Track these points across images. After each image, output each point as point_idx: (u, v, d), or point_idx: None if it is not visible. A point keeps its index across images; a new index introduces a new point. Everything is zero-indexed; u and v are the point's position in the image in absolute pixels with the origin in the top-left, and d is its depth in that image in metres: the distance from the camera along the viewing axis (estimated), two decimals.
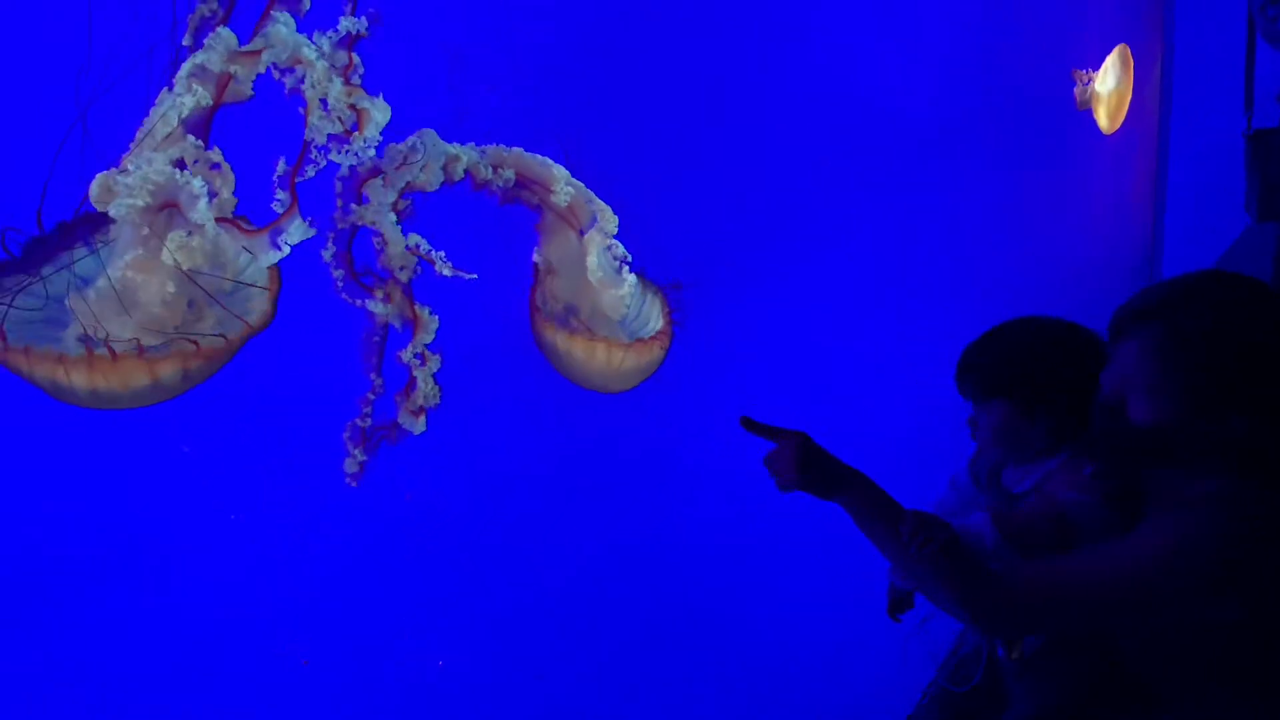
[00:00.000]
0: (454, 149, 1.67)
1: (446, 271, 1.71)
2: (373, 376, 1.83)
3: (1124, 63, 4.91)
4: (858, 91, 3.49)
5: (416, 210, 1.81)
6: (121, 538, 2.04)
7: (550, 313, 1.93)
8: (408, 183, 1.62)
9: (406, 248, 1.66)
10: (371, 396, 1.84)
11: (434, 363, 1.88)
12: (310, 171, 1.48)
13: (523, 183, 1.79)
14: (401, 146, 1.60)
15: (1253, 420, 1.67)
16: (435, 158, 1.63)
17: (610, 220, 1.84)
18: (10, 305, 1.39)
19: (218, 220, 1.35)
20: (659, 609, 2.91)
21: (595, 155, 2.22)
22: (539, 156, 1.82)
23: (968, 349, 2.12)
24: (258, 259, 1.39)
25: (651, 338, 1.96)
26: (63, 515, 1.93)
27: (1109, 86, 4.85)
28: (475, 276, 1.80)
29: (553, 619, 2.70)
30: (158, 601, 2.13)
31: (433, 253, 1.73)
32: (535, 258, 1.94)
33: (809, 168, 3.30)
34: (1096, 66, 4.93)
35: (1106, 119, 4.94)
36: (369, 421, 1.83)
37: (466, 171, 1.76)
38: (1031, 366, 1.98)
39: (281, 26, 1.39)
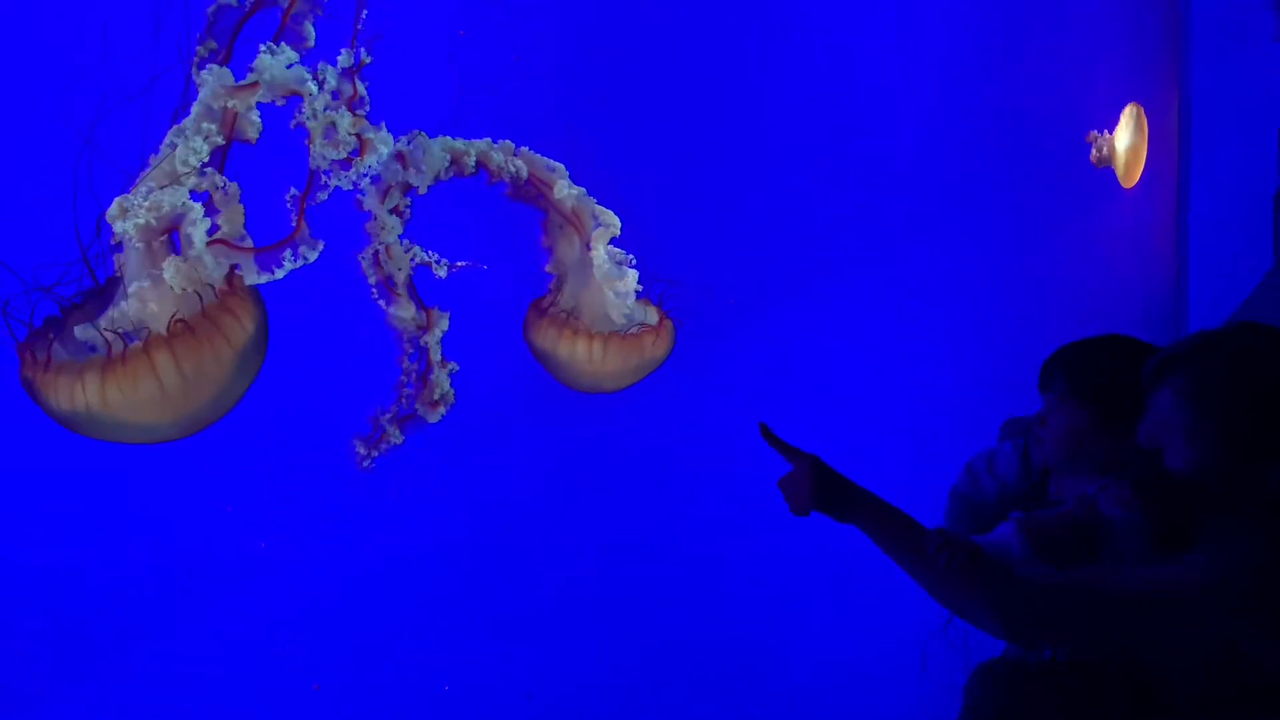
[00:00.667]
0: (462, 144, 1.67)
1: (442, 273, 1.71)
2: (403, 362, 1.82)
3: (1137, 120, 4.99)
4: (875, 157, 3.50)
5: (423, 209, 1.81)
6: (118, 538, 2.03)
7: (552, 316, 1.93)
8: (405, 184, 1.62)
9: (406, 251, 1.65)
10: (404, 379, 1.84)
11: (451, 365, 1.89)
12: (322, 196, 1.49)
13: (529, 181, 1.80)
14: (399, 148, 1.59)
15: None
16: (436, 157, 1.63)
17: (613, 220, 1.84)
18: (54, 339, 1.39)
19: (218, 241, 1.34)
20: (661, 610, 2.90)
21: (595, 157, 2.22)
22: (542, 156, 1.82)
23: (1073, 346, 2.10)
24: (246, 279, 1.39)
25: (640, 334, 1.95)
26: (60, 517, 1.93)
27: (1124, 144, 4.92)
28: (485, 267, 1.80)
29: (554, 619, 2.69)
30: (155, 599, 2.12)
31: (429, 254, 1.73)
32: (548, 269, 1.95)
33: (821, 215, 3.31)
34: (1112, 122, 4.95)
35: (1124, 175, 5.01)
36: (406, 404, 1.84)
37: (479, 164, 1.76)
38: (1130, 384, 1.94)
39: (267, 56, 1.39)
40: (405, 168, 1.60)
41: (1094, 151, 4.76)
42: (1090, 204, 5.10)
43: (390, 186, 1.62)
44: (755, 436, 2.11)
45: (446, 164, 1.65)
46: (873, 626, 3.31)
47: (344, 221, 1.69)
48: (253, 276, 1.36)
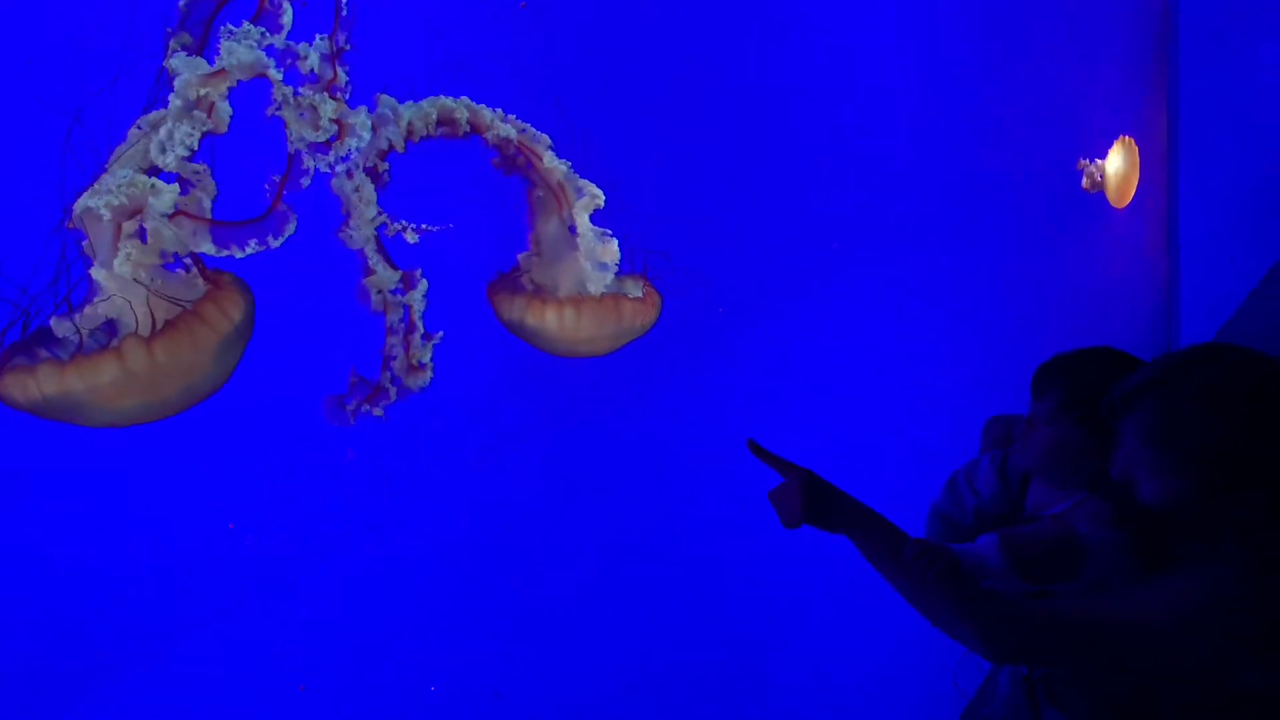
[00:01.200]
0: (453, 101, 1.65)
1: (412, 238, 1.67)
2: (388, 324, 1.78)
3: (1127, 149, 5.15)
4: (875, 163, 3.49)
5: (409, 195, 1.77)
6: (116, 537, 1.99)
7: (517, 287, 1.90)
8: (379, 150, 1.59)
9: (375, 217, 1.61)
10: (390, 346, 1.79)
11: (436, 336, 1.84)
12: (305, 181, 1.46)
13: (519, 149, 1.78)
14: (369, 119, 1.56)
15: (1262, 493, 1.63)
16: (413, 114, 1.61)
17: (598, 192, 1.83)
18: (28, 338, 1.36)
19: (180, 214, 1.31)
20: (661, 610, 2.87)
21: (592, 157, 2.18)
22: (529, 126, 1.81)
23: (1070, 357, 2.07)
24: (193, 244, 1.36)
25: (617, 297, 1.92)
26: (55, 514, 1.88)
27: (1114, 170, 5.09)
28: (451, 226, 1.76)
29: (555, 620, 2.65)
30: (154, 600, 2.08)
31: (400, 222, 1.69)
32: (521, 259, 1.92)
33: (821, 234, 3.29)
34: (1104, 145, 5.12)
35: (1115, 199, 5.20)
36: (395, 365, 1.80)
37: (471, 124, 1.73)
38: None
39: (229, 41, 1.37)
40: (376, 133, 1.58)
41: (1085, 179, 4.88)
42: (1085, 215, 5.16)
43: (367, 156, 1.60)
44: (755, 436, 2.07)
45: (432, 120, 1.62)
46: (874, 627, 3.28)
47: (332, 205, 1.66)
48: (208, 248, 1.33)
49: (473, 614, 2.53)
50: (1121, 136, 5.12)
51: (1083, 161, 4.89)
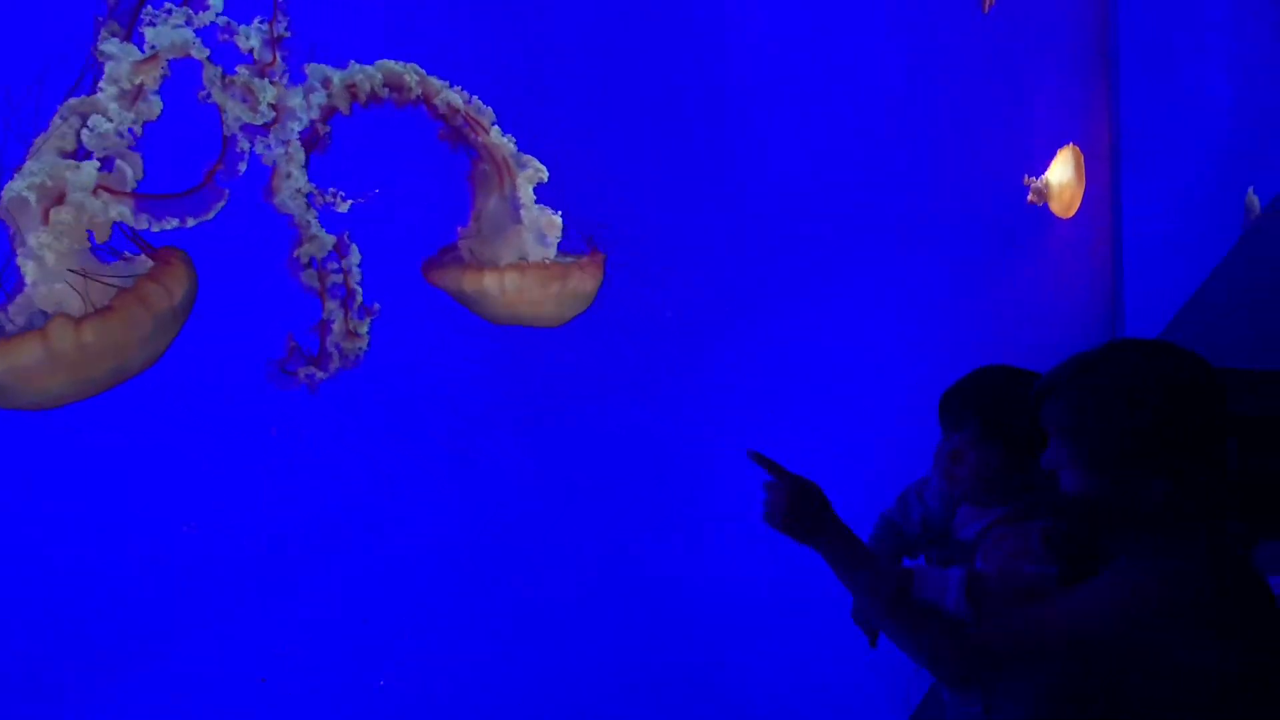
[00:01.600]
0: (400, 65, 1.65)
1: (343, 208, 1.65)
2: (325, 299, 1.76)
3: (1073, 159, 5.30)
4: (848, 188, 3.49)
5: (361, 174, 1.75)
6: (112, 534, 1.98)
7: (454, 260, 1.89)
8: (319, 116, 1.58)
9: (299, 189, 1.59)
10: (330, 305, 1.76)
11: (373, 310, 1.81)
12: (242, 167, 1.45)
13: (465, 121, 1.77)
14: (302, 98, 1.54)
15: (1171, 481, 1.64)
16: (366, 75, 1.60)
17: (539, 165, 1.82)
18: None
19: (102, 188, 1.29)
20: (662, 610, 2.84)
21: (592, 159, 2.17)
22: (477, 98, 1.80)
23: (976, 384, 2.09)
24: (110, 211, 1.34)
25: (562, 263, 1.90)
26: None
27: (1057, 181, 5.22)
28: (377, 191, 1.74)
29: (555, 620, 2.63)
30: (153, 600, 2.06)
31: (330, 192, 1.67)
32: (461, 233, 1.90)
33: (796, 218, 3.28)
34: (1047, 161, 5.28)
35: (1061, 209, 5.32)
36: (335, 336, 1.77)
37: (422, 91, 1.72)
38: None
39: (152, 29, 1.35)
40: (308, 104, 1.56)
41: (1031, 194, 5.03)
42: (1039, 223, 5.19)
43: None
44: (754, 437, 2.05)
45: (378, 81, 1.61)
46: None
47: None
48: (127, 217, 1.31)
49: (473, 614, 2.51)
50: (1066, 146, 5.24)
51: (1028, 178, 5.03)
